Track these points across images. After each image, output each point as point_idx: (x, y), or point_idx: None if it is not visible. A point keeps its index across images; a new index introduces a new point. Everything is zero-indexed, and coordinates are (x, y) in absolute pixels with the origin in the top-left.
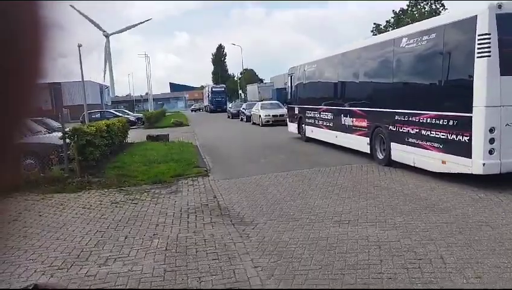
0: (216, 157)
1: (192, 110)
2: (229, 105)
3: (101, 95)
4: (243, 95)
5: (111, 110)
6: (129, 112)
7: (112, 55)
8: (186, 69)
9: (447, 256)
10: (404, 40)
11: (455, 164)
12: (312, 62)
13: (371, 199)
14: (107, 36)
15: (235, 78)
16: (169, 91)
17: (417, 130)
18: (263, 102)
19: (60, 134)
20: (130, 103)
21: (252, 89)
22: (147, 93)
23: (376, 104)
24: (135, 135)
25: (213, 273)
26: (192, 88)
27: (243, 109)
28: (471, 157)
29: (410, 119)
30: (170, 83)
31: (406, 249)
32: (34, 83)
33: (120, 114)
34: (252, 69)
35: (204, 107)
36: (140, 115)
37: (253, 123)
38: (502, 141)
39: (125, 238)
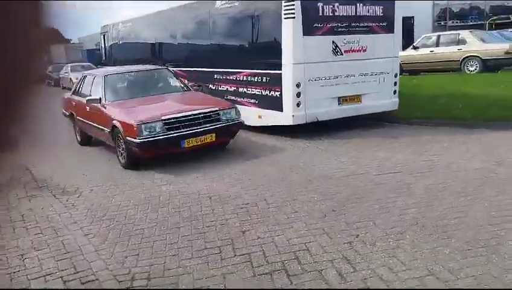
0: None
1: None
2: None
3: None
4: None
5: None
6: None
7: None
8: None
9: (269, 198)
10: (218, 2)
11: (270, 117)
12: (127, 21)
13: (203, 157)
14: None
15: None
16: None
17: (235, 88)
18: (73, 64)
19: None
20: None
21: (57, 50)
22: None
23: (196, 64)
24: None
25: (38, 249)
26: None
27: (49, 72)
28: (282, 111)
29: (228, 78)
30: None
31: (234, 196)
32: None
33: None
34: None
35: None
36: None
37: (64, 87)
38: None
39: None
